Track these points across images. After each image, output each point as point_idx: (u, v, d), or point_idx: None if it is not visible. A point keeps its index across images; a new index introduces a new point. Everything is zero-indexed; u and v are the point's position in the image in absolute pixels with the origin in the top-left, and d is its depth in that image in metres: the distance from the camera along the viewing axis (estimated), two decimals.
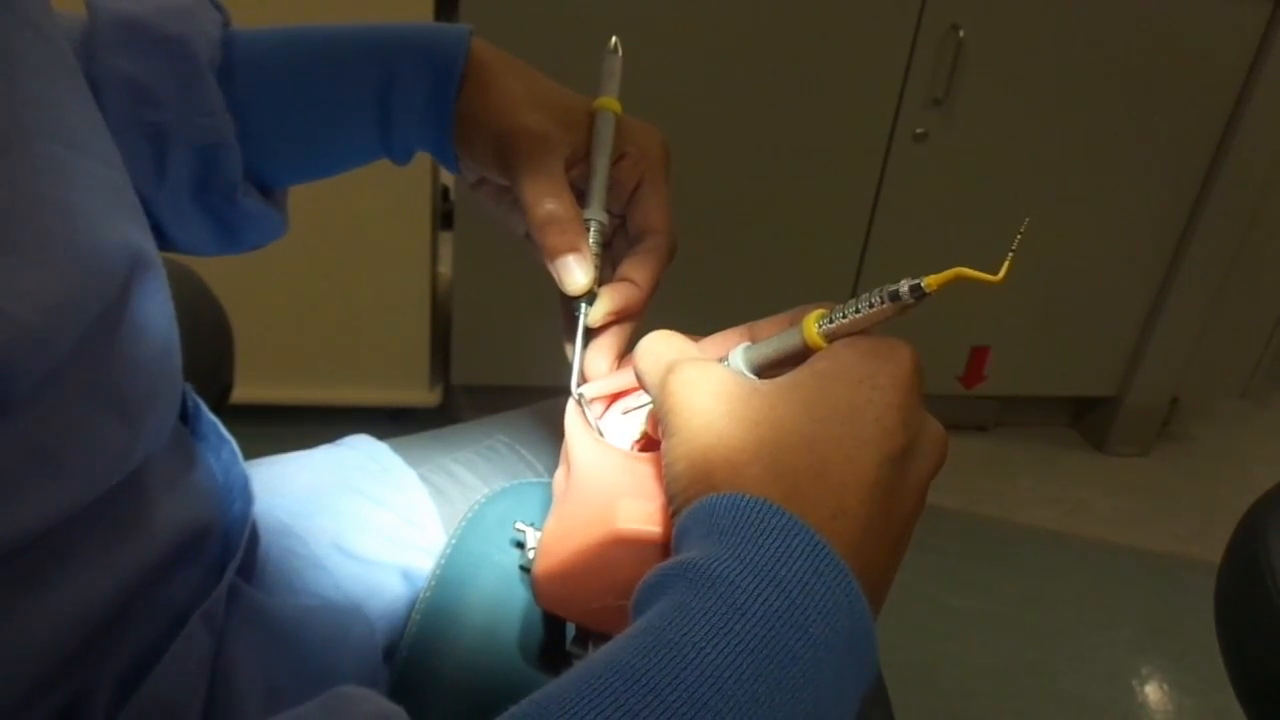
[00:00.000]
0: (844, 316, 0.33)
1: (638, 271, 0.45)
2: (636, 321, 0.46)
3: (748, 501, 0.29)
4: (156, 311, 0.32)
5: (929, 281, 0.31)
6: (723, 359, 0.37)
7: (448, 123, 0.46)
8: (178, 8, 0.44)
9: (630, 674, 0.25)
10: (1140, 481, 1.78)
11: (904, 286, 0.31)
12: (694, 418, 0.32)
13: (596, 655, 0.27)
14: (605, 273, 0.46)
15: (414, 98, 0.46)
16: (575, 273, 0.43)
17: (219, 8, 0.47)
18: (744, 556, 0.27)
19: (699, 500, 0.30)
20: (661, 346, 0.36)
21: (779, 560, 0.27)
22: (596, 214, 0.45)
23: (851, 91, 1.44)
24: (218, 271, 0.57)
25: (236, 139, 0.45)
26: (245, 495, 0.42)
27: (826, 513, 0.29)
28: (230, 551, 0.41)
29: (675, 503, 0.32)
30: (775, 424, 0.31)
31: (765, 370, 0.36)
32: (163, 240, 0.47)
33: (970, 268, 0.31)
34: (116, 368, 0.30)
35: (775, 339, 0.36)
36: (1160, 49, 1.47)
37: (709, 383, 0.33)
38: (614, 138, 0.46)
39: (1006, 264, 0.30)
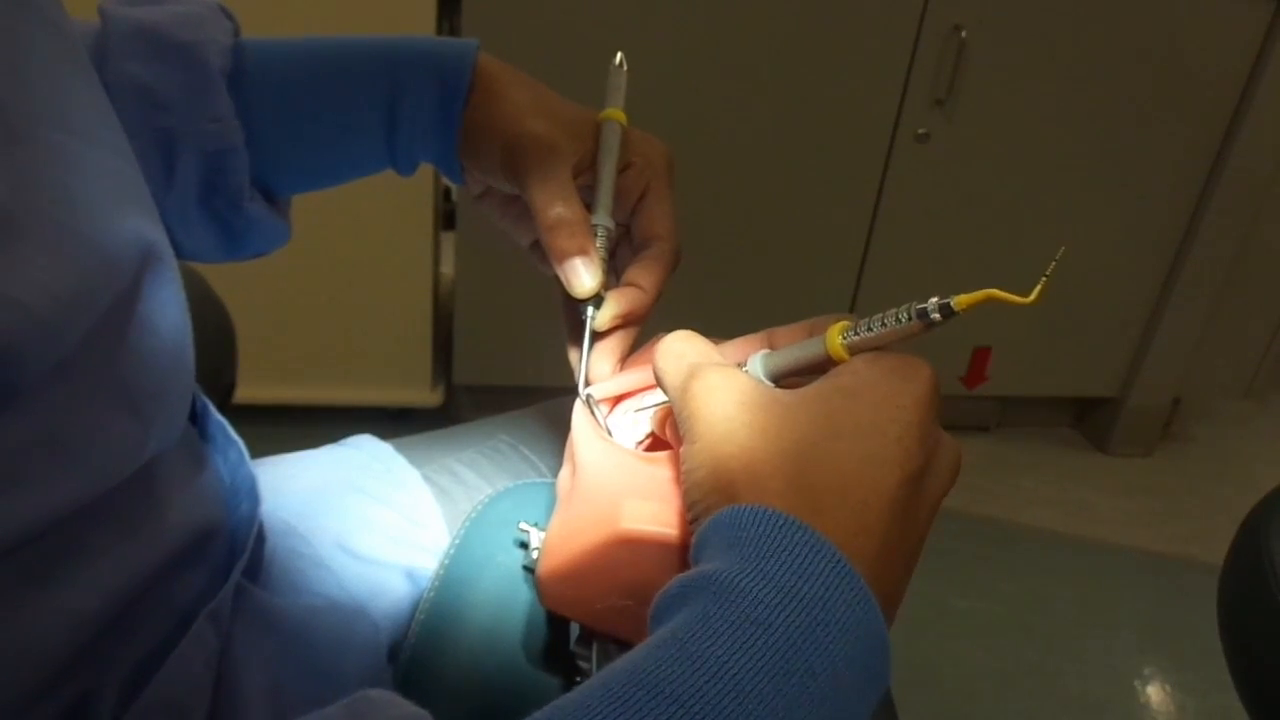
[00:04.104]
0: (869, 330, 0.33)
1: (643, 276, 0.45)
2: (641, 326, 0.46)
3: (771, 515, 0.29)
4: (168, 305, 0.32)
5: (959, 301, 0.30)
6: (741, 364, 0.37)
7: (454, 133, 0.46)
8: (190, 16, 0.44)
9: (653, 685, 0.26)
10: (1142, 482, 1.78)
11: (933, 305, 0.31)
12: (716, 425, 0.32)
13: (618, 664, 0.27)
14: (609, 280, 0.46)
15: (421, 108, 0.46)
16: (583, 275, 0.43)
17: (230, 17, 0.47)
18: (767, 571, 0.28)
19: (721, 510, 0.30)
20: (684, 347, 0.36)
21: (802, 577, 0.28)
22: (603, 220, 0.45)
23: (853, 92, 1.44)
24: (220, 272, 0.57)
25: (244, 146, 0.45)
26: (252, 496, 0.43)
27: (848, 530, 0.29)
28: (236, 552, 0.41)
29: (695, 510, 0.32)
30: (798, 437, 0.31)
31: (783, 379, 0.36)
32: None
33: (998, 287, 0.30)
34: (127, 361, 0.30)
35: (796, 347, 0.35)
36: (1162, 50, 1.47)
37: (732, 390, 0.32)
38: (619, 147, 0.46)
39: (1039, 286, 0.30)
